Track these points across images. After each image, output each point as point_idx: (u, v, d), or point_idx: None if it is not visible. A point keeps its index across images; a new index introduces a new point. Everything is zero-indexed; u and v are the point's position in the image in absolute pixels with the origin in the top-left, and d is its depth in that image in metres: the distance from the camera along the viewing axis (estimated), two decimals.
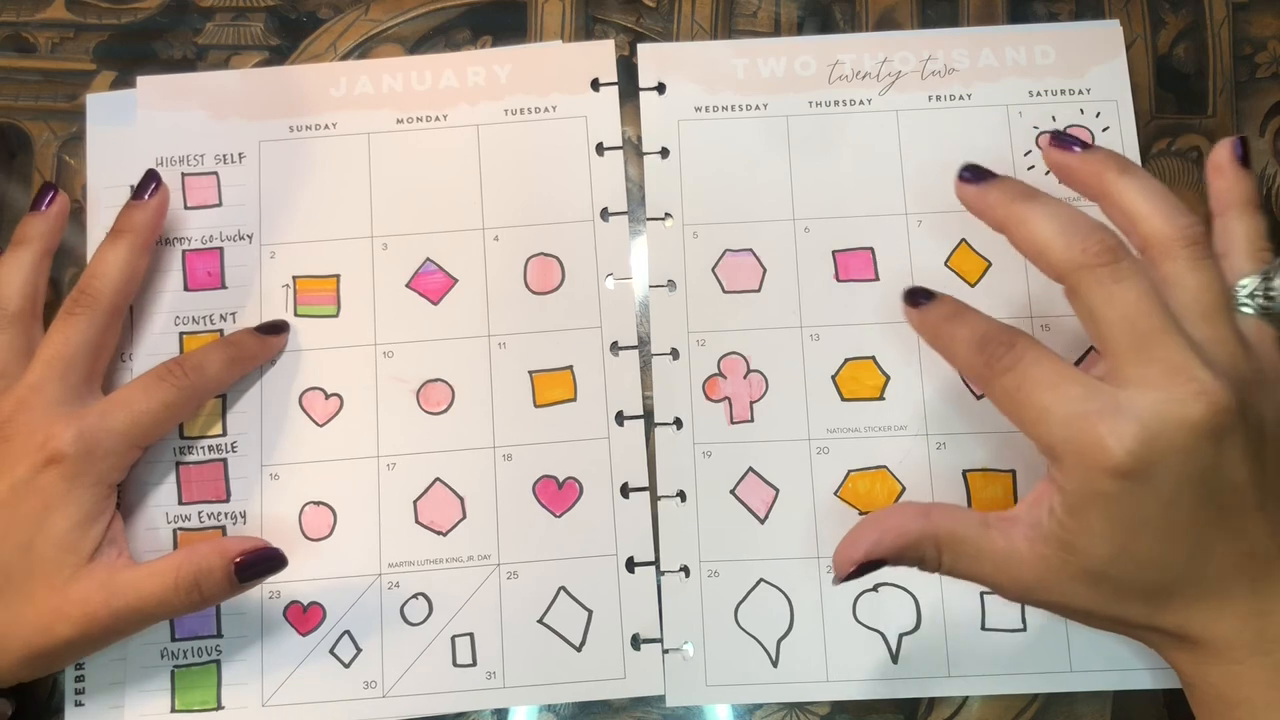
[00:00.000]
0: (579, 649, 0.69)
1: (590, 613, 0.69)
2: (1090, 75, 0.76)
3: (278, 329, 0.72)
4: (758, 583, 0.70)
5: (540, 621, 0.69)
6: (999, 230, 0.58)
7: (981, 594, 0.69)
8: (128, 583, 0.62)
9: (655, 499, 0.71)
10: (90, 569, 0.62)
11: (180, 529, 0.70)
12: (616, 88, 0.76)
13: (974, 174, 0.59)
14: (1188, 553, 0.54)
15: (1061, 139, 0.60)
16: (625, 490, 0.70)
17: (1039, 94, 0.76)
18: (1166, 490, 0.52)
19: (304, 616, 0.69)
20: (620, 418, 0.71)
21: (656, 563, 0.70)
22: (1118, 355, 0.53)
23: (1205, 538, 0.53)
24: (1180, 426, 0.51)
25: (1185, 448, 0.51)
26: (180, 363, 0.67)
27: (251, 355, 0.70)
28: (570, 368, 0.72)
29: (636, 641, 0.69)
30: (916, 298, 0.60)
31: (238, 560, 0.62)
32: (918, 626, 0.69)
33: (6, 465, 0.62)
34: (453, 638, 0.69)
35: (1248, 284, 0.57)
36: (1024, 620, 0.69)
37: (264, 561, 0.63)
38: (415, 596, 0.69)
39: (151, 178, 0.70)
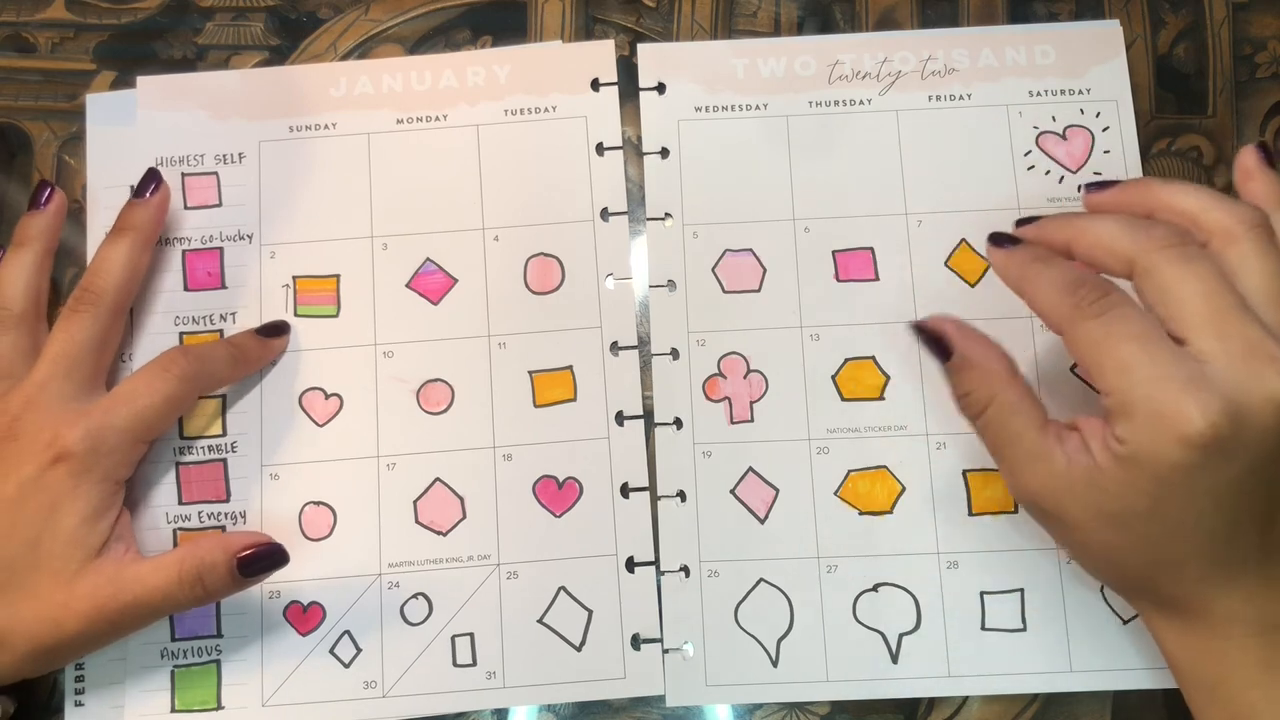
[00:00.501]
0: (579, 649, 0.69)
1: (590, 613, 0.69)
2: (1090, 75, 0.76)
3: (278, 330, 0.72)
4: (758, 583, 0.70)
5: (540, 621, 0.69)
6: (1064, 248, 0.60)
7: (981, 594, 0.69)
8: (134, 577, 0.62)
9: (655, 499, 0.71)
10: (98, 564, 0.62)
11: (180, 529, 0.70)
12: (616, 88, 0.76)
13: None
14: (1219, 528, 0.54)
15: (1094, 184, 0.63)
16: (625, 490, 0.70)
17: (1039, 94, 0.76)
18: (1233, 466, 0.52)
19: (304, 616, 0.69)
20: (620, 418, 0.71)
21: (656, 563, 0.70)
22: (1195, 330, 0.53)
23: (1243, 516, 0.54)
24: (1265, 405, 0.52)
25: (1265, 426, 0.52)
26: (183, 352, 0.67)
27: (254, 358, 0.70)
28: (570, 368, 0.72)
29: (636, 641, 0.69)
30: (1001, 240, 0.61)
31: (240, 555, 0.62)
32: (918, 626, 0.69)
33: (14, 464, 0.62)
34: (453, 638, 0.69)
35: None
36: (1024, 620, 0.69)
37: (266, 557, 0.63)
38: (415, 596, 0.69)
39: (152, 176, 0.71)
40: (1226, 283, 0.54)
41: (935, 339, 0.61)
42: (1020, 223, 0.63)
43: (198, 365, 0.66)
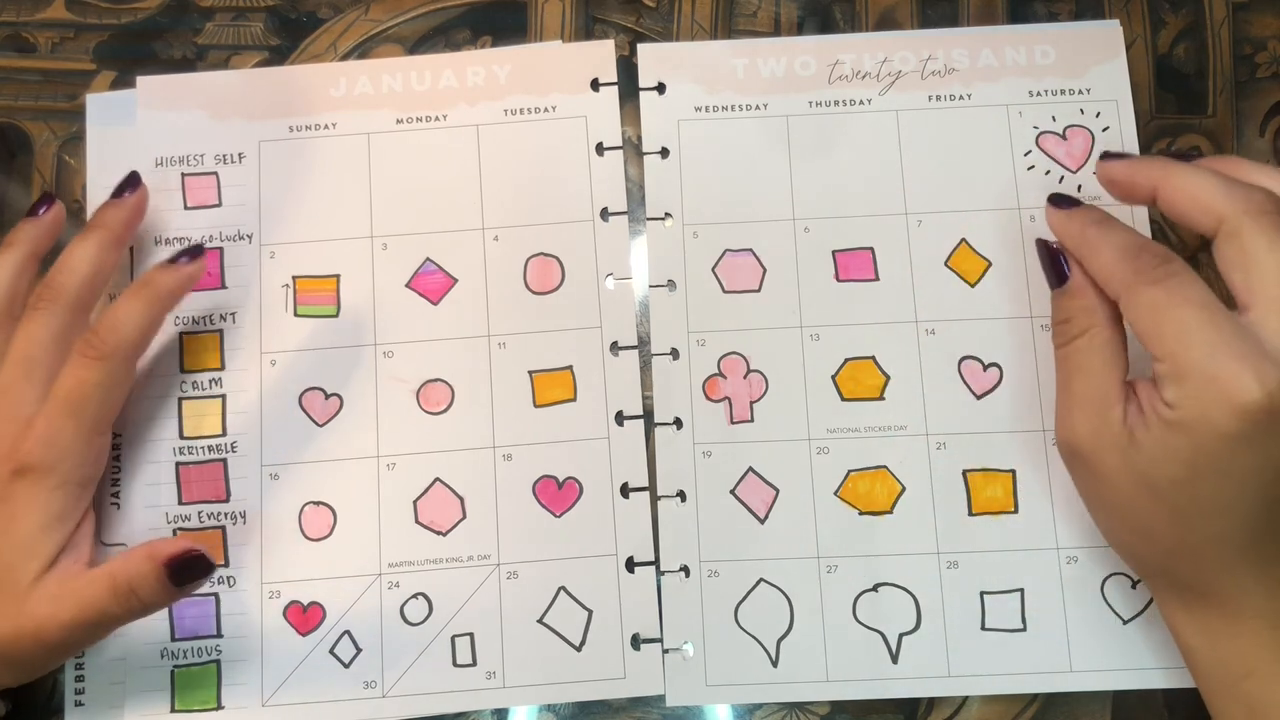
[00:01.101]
0: (579, 649, 0.69)
1: (590, 613, 0.69)
2: (1090, 75, 0.76)
3: (192, 254, 0.67)
4: (758, 583, 0.70)
5: (540, 621, 0.69)
6: (1149, 192, 0.60)
7: (981, 593, 0.69)
8: (71, 592, 0.60)
9: (655, 499, 0.71)
10: (44, 581, 0.61)
11: (180, 529, 0.70)
12: (616, 88, 0.76)
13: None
14: (1254, 512, 0.54)
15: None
16: (625, 490, 0.70)
17: (1039, 94, 0.76)
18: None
19: (304, 616, 0.69)
20: (620, 418, 0.71)
21: (657, 562, 0.70)
22: (1266, 302, 0.54)
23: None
24: None
25: None
26: (95, 332, 0.63)
27: (169, 291, 0.66)
28: (570, 368, 0.72)
29: (636, 641, 0.69)
30: (1060, 201, 0.62)
31: (167, 563, 0.60)
32: (918, 626, 0.69)
33: None
34: (452, 638, 0.69)
35: None
36: (1024, 620, 0.69)
37: (192, 564, 0.60)
38: (415, 596, 0.69)
39: (133, 179, 0.70)
40: None
41: (1054, 260, 0.62)
42: (1107, 155, 0.63)
43: (114, 337, 0.63)
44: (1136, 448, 0.55)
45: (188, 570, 0.60)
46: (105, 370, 0.63)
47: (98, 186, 0.74)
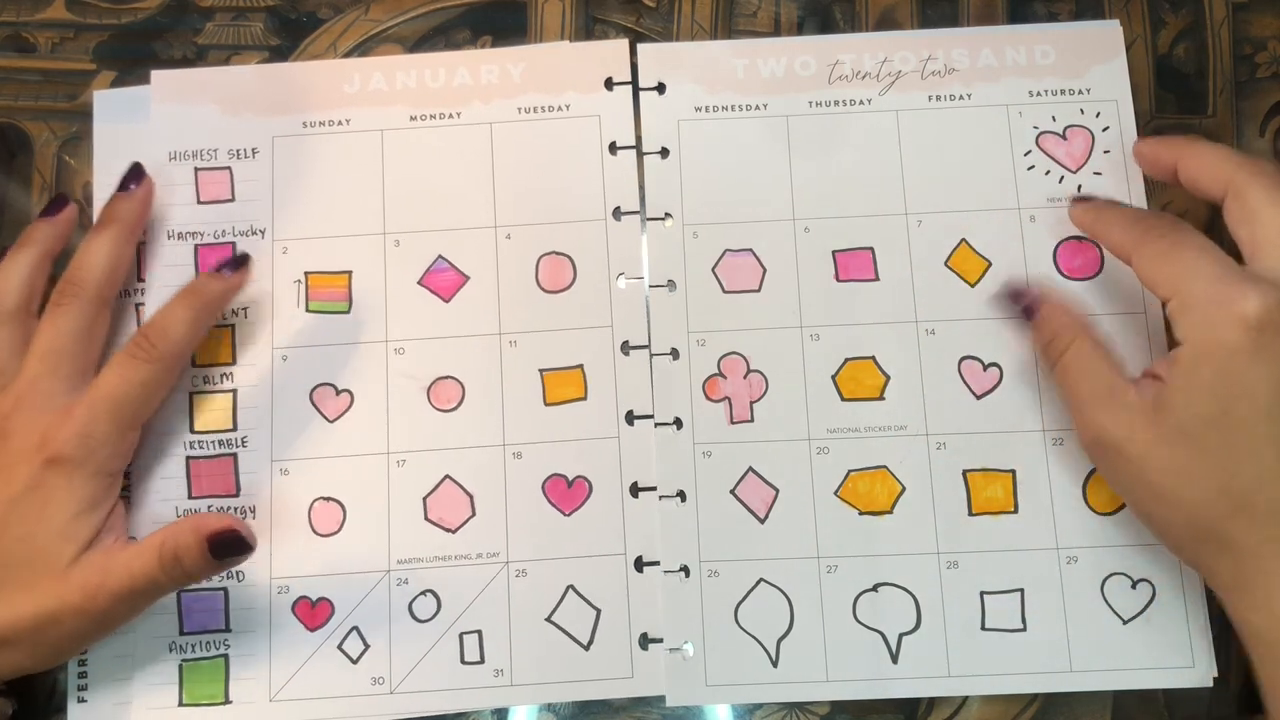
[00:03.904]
0: (587, 648, 0.69)
1: (598, 612, 0.69)
2: (1090, 75, 0.76)
3: (239, 264, 0.69)
4: (758, 583, 0.70)
5: (548, 620, 0.69)
6: (1171, 166, 0.67)
7: (981, 593, 0.70)
8: (121, 564, 0.62)
9: (655, 499, 0.71)
10: (88, 556, 0.62)
11: None
12: (631, 87, 0.76)
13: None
14: None
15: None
16: (635, 490, 0.71)
17: (1039, 94, 0.76)
18: None
19: (312, 612, 0.69)
20: (630, 417, 0.71)
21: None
22: (1266, 248, 0.60)
23: None
24: None
25: None
26: (145, 334, 0.66)
27: (217, 298, 0.68)
28: (581, 366, 0.72)
29: (644, 641, 0.69)
30: (1084, 197, 0.70)
31: (210, 537, 0.62)
32: (918, 626, 0.69)
33: (7, 464, 0.63)
34: (461, 635, 0.69)
35: None
36: (1024, 620, 0.69)
37: (234, 542, 0.62)
38: (424, 593, 0.69)
39: (136, 170, 0.71)
40: None
41: (1017, 297, 0.69)
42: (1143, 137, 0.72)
43: (164, 342, 0.65)
44: (1161, 409, 0.59)
45: (228, 546, 0.62)
46: (152, 372, 0.65)
47: (105, 184, 0.73)
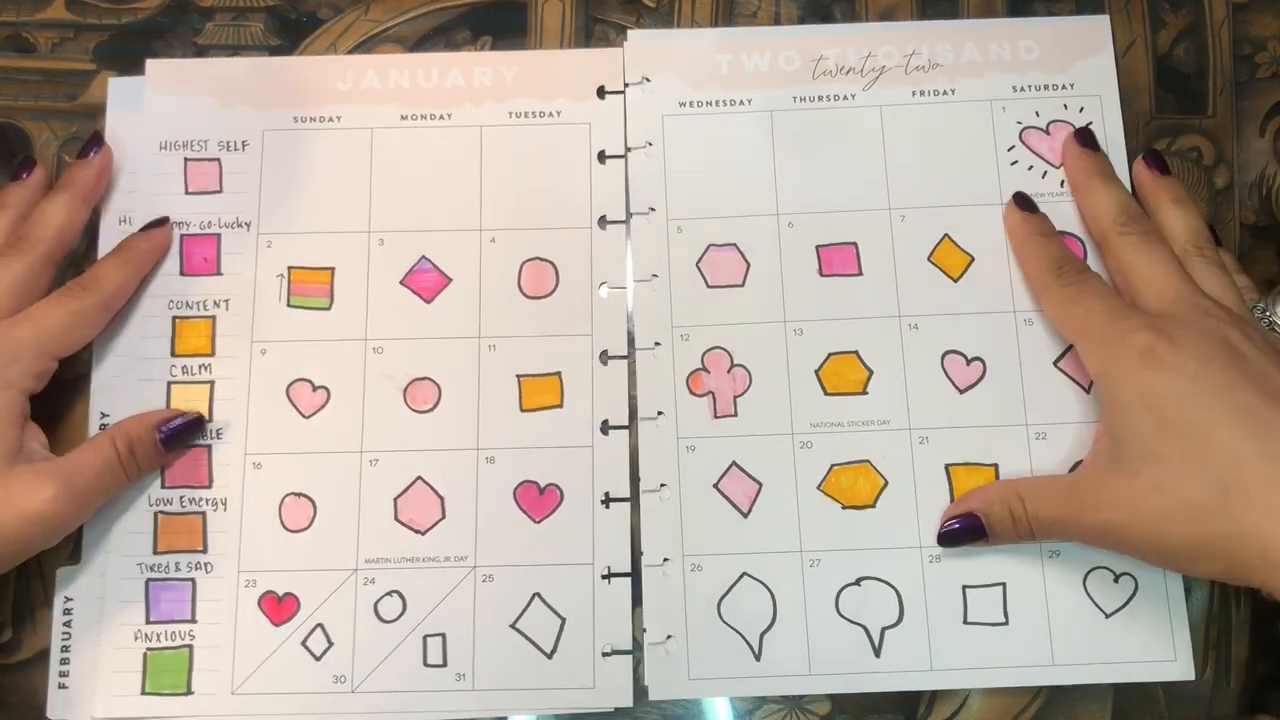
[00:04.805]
0: (550, 656, 0.68)
1: (563, 620, 0.69)
2: (1074, 70, 0.76)
3: (158, 223, 0.73)
4: (740, 576, 0.70)
5: (513, 626, 0.69)
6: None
7: (963, 587, 0.69)
8: (78, 464, 0.66)
9: (638, 493, 0.71)
10: (24, 465, 0.65)
11: (161, 512, 0.70)
12: (623, 97, 0.76)
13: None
14: (1234, 423, 0.60)
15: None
16: (607, 500, 0.70)
17: (1023, 89, 0.76)
18: (1188, 357, 0.61)
19: (278, 607, 0.69)
20: (605, 427, 0.71)
21: (635, 572, 0.70)
22: (1147, 295, 0.67)
23: (1248, 407, 0.60)
24: (1190, 303, 0.65)
25: (1201, 320, 0.63)
26: (78, 280, 0.69)
27: (144, 254, 0.72)
28: (559, 374, 0.72)
29: (608, 652, 0.68)
30: (1027, 203, 0.73)
31: (161, 427, 0.69)
32: (900, 620, 0.69)
33: None
34: (424, 637, 0.69)
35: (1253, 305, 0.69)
36: (1006, 614, 0.69)
37: (184, 429, 0.70)
38: (390, 594, 0.69)
39: (96, 139, 0.74)
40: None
41: (966, 523, 0.69)
42: (1081, 135, 0.74)
43: (95, 286, 0.69)
44: (1114, 445, 0.63)
45: (179, 436, 0.70)
46: (26, 265, 0.69)
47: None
